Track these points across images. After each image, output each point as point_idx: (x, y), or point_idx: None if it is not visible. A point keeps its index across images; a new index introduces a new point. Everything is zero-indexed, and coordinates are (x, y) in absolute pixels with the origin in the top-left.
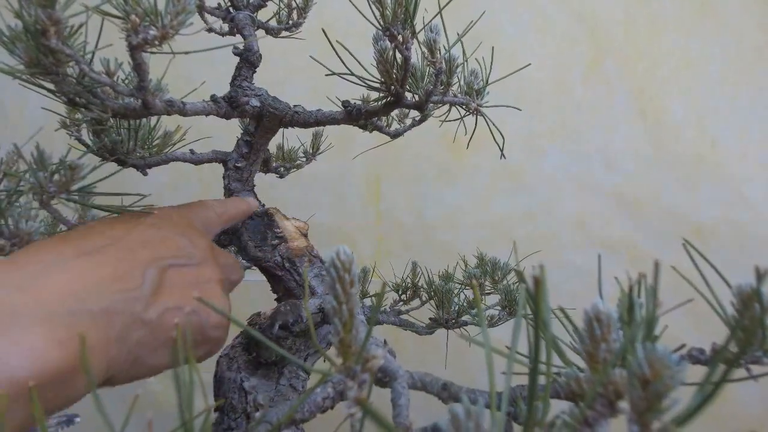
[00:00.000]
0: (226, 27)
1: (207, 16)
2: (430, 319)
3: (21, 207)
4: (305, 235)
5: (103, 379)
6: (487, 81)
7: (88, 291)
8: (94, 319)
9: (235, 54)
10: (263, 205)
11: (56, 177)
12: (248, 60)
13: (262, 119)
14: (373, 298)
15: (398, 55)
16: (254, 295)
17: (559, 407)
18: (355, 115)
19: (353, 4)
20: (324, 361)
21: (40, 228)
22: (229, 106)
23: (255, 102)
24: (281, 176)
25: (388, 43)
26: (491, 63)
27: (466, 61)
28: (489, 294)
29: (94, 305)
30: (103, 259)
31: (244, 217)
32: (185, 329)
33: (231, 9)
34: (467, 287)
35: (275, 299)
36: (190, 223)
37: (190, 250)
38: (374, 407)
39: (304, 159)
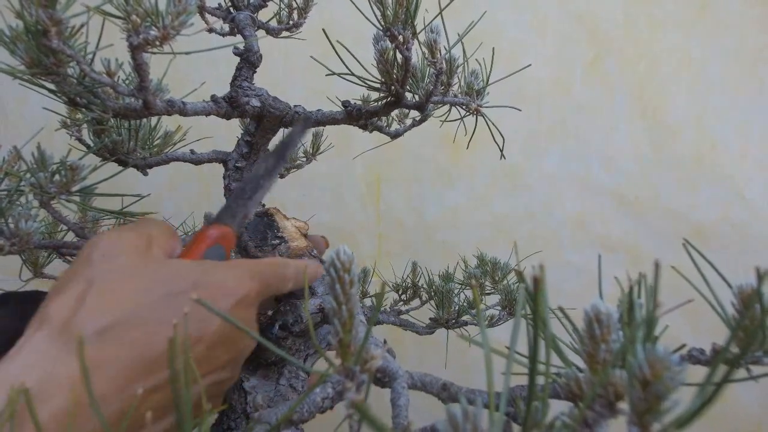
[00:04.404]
0: (226, 27)
1: (207, 16)
2: (430, 319)
3: (21, 207)
4: (305, 235)
5: None
6: (487, 81)
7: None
8: None
9: (236, 54)
10: (263, 205)
11: (57, 177)
12: (248, 60)
13: (263, 119)
14: (373, 298)
15: (399, 56)
16: None
17: (558, 408)
18: (355, 115)
19: (354, 4)
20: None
21: (40, 228)
22: (229, 106)
23: (255, 102)
24: (281, 176)
25: (388, 43)
26: (491, 63)
27: (467, 61)
28: (489, 294)
29: None
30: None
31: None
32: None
33: (231, 9)
34: (467, 287)
35: (275, 299)
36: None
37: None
38: (371, 410)
39: (304, 159)
